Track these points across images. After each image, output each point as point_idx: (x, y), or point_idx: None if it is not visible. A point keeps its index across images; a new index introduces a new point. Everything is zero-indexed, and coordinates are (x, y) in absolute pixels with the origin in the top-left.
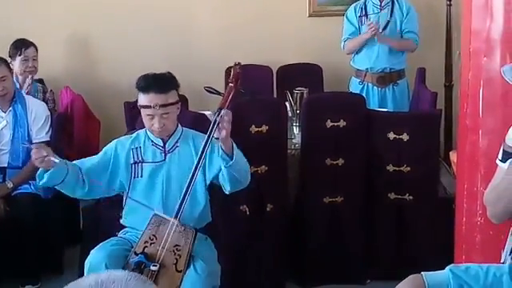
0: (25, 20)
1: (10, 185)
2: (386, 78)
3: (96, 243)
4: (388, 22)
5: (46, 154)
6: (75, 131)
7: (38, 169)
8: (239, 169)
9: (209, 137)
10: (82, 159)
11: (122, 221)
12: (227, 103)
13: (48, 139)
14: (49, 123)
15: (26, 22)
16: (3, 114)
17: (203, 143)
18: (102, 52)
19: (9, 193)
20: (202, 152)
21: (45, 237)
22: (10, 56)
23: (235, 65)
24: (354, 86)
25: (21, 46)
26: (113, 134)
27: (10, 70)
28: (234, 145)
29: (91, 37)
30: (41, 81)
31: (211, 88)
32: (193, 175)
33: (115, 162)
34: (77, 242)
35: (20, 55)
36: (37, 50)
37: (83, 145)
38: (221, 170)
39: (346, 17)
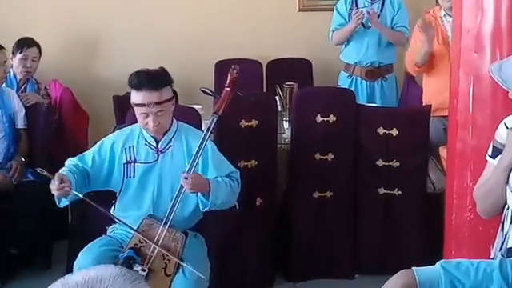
0: (12, 12)
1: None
2: (375, 72)
3: (84, 238)
4: (378, 15)
5: (65, 185)
6: (64, 124)
7: None
8: (220, 204)
9: (201, 144)
10: (79, 157)
11: (112, 211)
12: (222, 108)
13: (27, 127)
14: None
15: (13, 15)
16: None
17: (196, 149)
18: (90, 45)
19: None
20: (194, 159)
21: (33, 230)
22: (12, 53)
23: (232, 69)
24: (343, 80)
25: (23, 44)
26: (101, 128)
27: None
28: (215, 184)
29: (80, 29)
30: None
31: (207, 89)
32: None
33: (111, 161)
34: (66, 235)
35: (20, 53)
36: (40, 51)
37: (72, 138)
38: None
39: (336, 9)
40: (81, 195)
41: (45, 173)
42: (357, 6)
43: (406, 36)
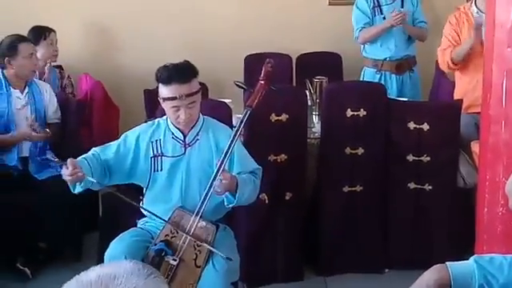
0: (43, 7)
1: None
2: (404, 65)
3: (115, 230)
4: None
5: (78, 171)
6: (94, 118)
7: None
8: (243, 201)
9: (234, 137)
10: (102, 147)
11: (142, 204)
12: (256, 101)
13: (59, 121)
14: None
15: (45, 9)
16: (21, 95)
17: (228, 143)
18: (121, 39)
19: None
20: (226, 153)
21: (64, 223)
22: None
23: (267, 62)
24: (370, 76)
25: (44, 30)
26: (132, 122)
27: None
28: (242, 182)
29: (110, 24)
30: (59, 67)
31: (241, 83)
32: (215, 176)
33: (136, 154)
34: (97, 227)
35: (45, 39)
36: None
37: (102, 132)
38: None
39: (357, 7)
40: (95, 180)
41: (56, 159)
42: (379, 3)
43: (427, 32)
